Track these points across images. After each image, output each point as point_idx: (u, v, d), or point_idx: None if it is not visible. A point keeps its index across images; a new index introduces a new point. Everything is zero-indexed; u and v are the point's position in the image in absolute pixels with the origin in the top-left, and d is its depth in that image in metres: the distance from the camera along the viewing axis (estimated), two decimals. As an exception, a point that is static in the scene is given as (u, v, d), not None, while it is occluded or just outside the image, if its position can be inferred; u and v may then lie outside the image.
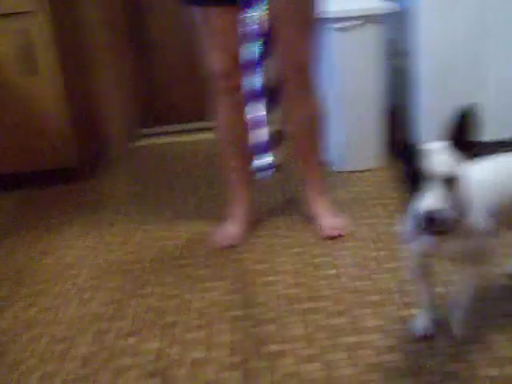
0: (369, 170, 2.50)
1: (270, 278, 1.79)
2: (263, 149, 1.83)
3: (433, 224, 1.11)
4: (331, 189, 2.30)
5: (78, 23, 3.09)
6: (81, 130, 2.80)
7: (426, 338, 1.43)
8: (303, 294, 1.69)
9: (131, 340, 1.56)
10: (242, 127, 1.89)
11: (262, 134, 1.82)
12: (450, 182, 1.12)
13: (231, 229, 2.04)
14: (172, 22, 3.36)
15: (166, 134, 3.46)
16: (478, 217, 1.24)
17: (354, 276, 1.75)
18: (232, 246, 1.99)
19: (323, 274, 1.78)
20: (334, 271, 1.79)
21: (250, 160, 1.93)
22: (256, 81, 1.78)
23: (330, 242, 1.96)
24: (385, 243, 1.92)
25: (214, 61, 1.87)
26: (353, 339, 1.47)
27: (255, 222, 2.11)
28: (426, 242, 1.26)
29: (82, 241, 2.17)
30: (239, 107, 1.86)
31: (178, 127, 3.47)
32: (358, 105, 2.46)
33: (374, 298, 1.63)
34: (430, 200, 1.11)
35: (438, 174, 1.12)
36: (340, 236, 1.98)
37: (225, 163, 2.08)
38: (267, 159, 1.83)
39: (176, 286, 1.79)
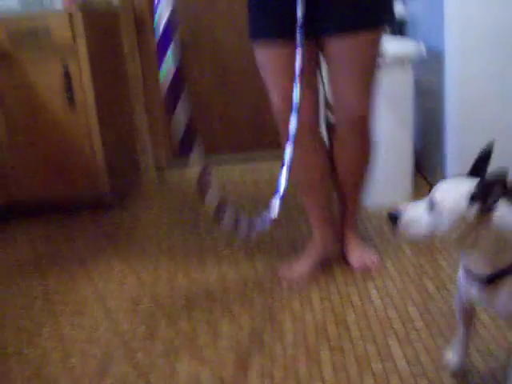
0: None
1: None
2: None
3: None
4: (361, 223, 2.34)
5: (115, 55, 3.21)
6: (114, 161, 2.88)
7: (455, 374, 1.42)
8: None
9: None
10: (312, 165, 1.94)
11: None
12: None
13: (300, 266, 2.03)
14: (207, 59, 3.48)
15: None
16: None
17: (381, 306, 1.77)
18: (297, 283, 1.97)
19: (349, 301, 1.81)
20: (360, 302, 1.81)
21: (325, 200, 2.00)
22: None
23: (359, 275, 1.97)
24: (412, 277, 1.94)
25: (274, 100, 1.88)
26: (380, 366, 1.49)
27: (327, 261, 2.08)
28: (471, 287, 1.20)
29: (112, 272, 2.20)
30: (308, 146, 1.89)
31: (210, 159, 3.54)
32: (388, 142, 2.49)
33: (399, 326, 1.65)
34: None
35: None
36: (370, 271, 1.99)
37: (302, 200, 2.10)
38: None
39: (207, 322, 1.80)
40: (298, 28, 1.58)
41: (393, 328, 1.65)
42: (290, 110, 1.69)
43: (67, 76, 2.66)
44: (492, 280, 1.12)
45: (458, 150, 2.49)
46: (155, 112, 3.43)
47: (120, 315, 1.86)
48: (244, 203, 2.77)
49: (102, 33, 2.85)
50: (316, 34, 1.77)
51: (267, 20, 1.82)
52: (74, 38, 2.62)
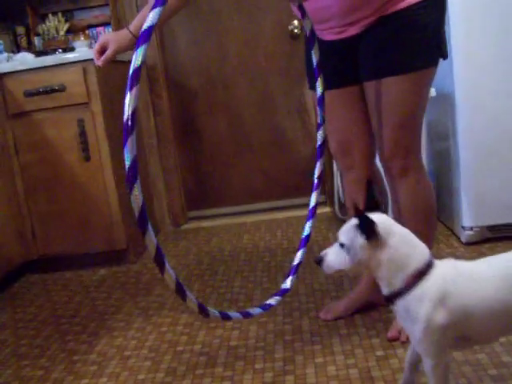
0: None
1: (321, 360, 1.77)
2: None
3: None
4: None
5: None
6: (129, 214, 2.90)
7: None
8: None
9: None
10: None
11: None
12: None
13: (340, 303, 2.04)
14: (220, 108, 3.52)
15: (212, 216, 3.57)
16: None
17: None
18: (334, 320, 1.99)
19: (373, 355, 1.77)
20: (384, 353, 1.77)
21: None
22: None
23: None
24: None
25: (330, 140, 1.96)
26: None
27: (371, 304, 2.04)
28: None
29: (132, 328, 2.19)
30: (361, 185, 1.90)
31: (224, 210, 3.58)
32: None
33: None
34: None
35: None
36: (399, 340, 1.82)
37: None
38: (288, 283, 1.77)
39: (230, 379, 1.77)
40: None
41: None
42: (343, 152, 1.93)
43: (83, 133, 2.71)
44: (391, 300, 1.31)
45: (473, 194, 2.48)
46: (169, 167, 3.47)
47: (141, 373, 1.83)
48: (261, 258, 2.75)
49: (116, 87, 2.90)
50: (356, 80, 1.83)
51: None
52: (88, 93, 2.67)
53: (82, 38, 3.13)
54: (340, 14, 1.70)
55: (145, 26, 1.21)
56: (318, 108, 1.80)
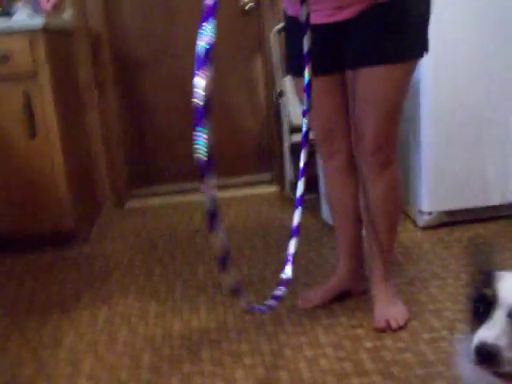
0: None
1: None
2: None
3: (485, 360, 0.93)
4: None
5: (73, 85, 3.05)
6: (77, 193, 2.73)
7: None
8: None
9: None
10: (345, 192, 1.94)
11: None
12: None
13: (318, 291, 2.03)
14: (164, 83, 3.37)
15: (156, 194, 3.44)
16: None
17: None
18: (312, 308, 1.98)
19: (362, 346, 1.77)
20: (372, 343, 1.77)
21: (357, 228, 1.96)
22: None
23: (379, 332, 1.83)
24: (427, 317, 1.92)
25: (314, 127, 1.90)
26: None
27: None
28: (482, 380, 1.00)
29: (98, 320, 2.07)
30: (343, 172, 1.91)
31: (169, 188, 3.46)
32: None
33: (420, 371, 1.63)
34: (488, 331, 0.95)
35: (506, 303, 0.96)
36: (390, 329, 1.82)
37: (334, 226, 2.06)
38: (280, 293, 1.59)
39: (214, 363, 1.73)
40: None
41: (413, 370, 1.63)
42: (326, 139, 1.89)
43: (29, 107, 2.50)
44: None
45: (432, 179, 2.54)
46: (112, 142, 3.30)
47: (122, 371, 1.74)
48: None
49: (64, 59, 2.71)
50: (341, 68, 1.80)
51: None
52: (35, 64, 2.47)
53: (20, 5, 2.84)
54: None
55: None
56: (304, 95, 1.75)
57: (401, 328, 1.82)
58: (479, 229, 2.54)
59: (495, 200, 2.57)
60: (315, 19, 1.73)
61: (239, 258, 2.46)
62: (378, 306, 1.88)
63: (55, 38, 2.66)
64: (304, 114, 1.78)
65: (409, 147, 2.63)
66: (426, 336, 1.79)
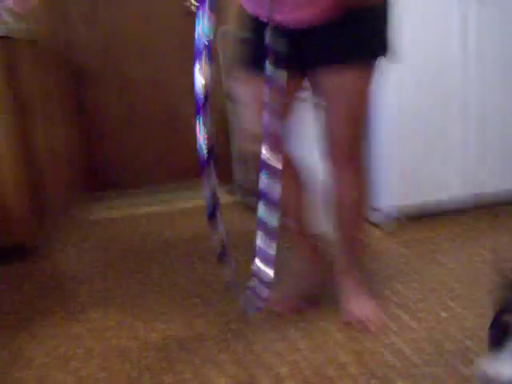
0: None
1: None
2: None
3: None
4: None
5: (21, 94, 2.95)
6: (28, 204, 2.65)
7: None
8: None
9: None
10: (292, 189, 1.92)
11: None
12: None
13: (282, 294, 2.02)
14: (113, 92, 3.32)
15: (110, 206, 3.40)
16: None
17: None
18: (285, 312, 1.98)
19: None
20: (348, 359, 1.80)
21: (304, 228, 1.97)
22: None
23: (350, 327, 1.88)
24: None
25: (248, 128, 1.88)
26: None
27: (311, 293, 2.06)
28: None
29: (63, 331, 2.04)
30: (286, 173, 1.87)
31: (121, 200, 3.43)
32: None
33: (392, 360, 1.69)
34: (497, 361, 0.90)
35: None
36: (362, 323, 1.88)
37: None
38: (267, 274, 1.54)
39: (192, 371, 1.73)
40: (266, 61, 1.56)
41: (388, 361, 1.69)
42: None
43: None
44: None
45: (387, 176, 2.64)
46: (61, 153, 3.22)
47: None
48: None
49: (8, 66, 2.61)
50: (302, 67, 1.78)
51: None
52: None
53: None
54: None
55: None
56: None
57: (369, 321, 1.89)
58: (432, 224, 2.66)
59: (449, 197, 2.72)
60: (278, 18, 1.69)
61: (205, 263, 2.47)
62: (347, 300, 1.95)
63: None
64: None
65: (365, 146, 2.70)
66: (394, 328, 1.87)
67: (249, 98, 1.87)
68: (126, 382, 1.71)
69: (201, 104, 1.25)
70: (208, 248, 2.61)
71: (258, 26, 1.69)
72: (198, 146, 1.24)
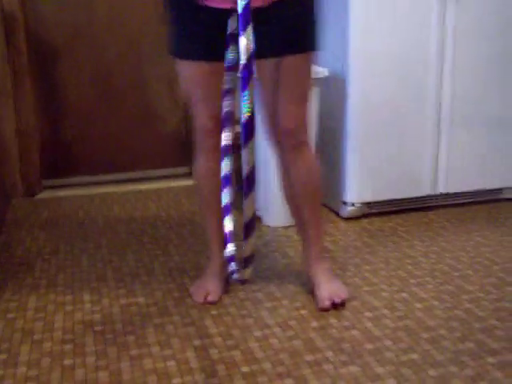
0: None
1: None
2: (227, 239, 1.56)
3: None
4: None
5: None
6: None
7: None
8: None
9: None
10: (216, 175, 1.81)
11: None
12: None
13: (208, 285, 1.98)
14: (82, 71, 3.25)
15: (70, 186, 3.32)
16: None
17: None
18: (209, 304, 1.93)
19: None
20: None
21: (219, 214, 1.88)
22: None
23: (325, 313, 1.87)
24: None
25: (199, 115, 1.86)
26: None
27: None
28: None
29: (28, 307, 1.97)
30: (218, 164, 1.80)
31: (83, 179, 3.36)
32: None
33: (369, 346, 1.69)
34: None
35: None
36: (335, 306, 1.89)
37: (202, 216, 2.06)
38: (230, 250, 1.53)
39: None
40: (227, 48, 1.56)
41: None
42: (214, 130, 1.82)
43: None
44: None
45: (357, 171, 2.64)
46: (27, 130, 3.13)
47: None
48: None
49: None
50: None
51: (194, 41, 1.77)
52: None
53: None
54: None
55: None
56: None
57: (343, 304, 1.89)
58: (398, 219, 2.68)
59: (418, 192, 2.74)
60: (222, 4, 1.67)
61: (168, 246, 2.43)
62: (319, 286, 1.93)
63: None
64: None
65: (334, 140, 2.72)
66: (368, 314, 1.86)
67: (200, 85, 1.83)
68: (26, 366, 1.63)
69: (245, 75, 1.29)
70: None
71: (196, 11, 1.68)
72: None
